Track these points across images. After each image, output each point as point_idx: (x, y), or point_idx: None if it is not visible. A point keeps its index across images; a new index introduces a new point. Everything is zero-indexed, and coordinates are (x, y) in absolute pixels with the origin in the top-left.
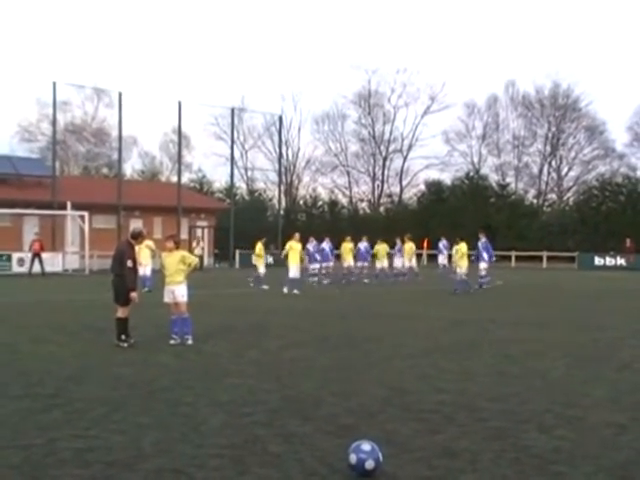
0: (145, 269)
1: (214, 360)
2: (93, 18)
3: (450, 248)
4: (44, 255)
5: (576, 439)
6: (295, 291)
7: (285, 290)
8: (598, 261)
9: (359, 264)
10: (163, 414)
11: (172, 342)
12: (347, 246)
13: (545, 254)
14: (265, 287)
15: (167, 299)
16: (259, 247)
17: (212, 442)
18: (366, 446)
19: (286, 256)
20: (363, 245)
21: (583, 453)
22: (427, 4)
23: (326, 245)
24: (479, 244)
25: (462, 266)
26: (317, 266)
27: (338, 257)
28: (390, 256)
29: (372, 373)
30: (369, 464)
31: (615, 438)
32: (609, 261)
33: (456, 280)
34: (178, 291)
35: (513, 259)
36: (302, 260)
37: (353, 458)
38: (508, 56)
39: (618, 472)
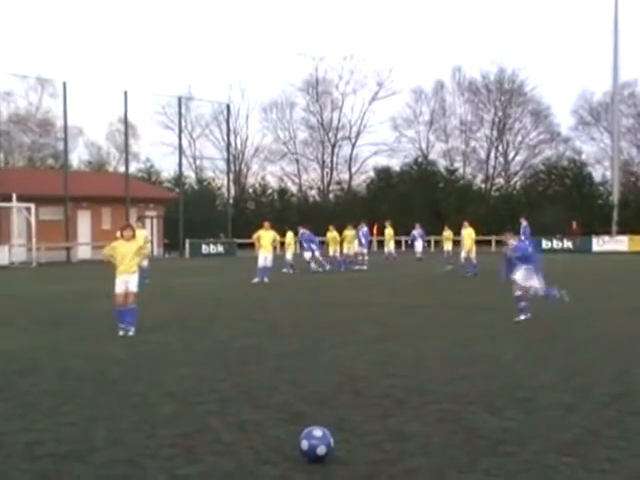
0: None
1: (164, 350)
2: (35, 6)
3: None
4: None
5: (525, 420)
6: (265, 279)
7: (255, 280)
8: (545, 244)
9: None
10: (113, 405)
11: (121, 333)
12: (349, 233)
13: (494, 238)
14: (291, 271)
15: (120, 290)
16: (290, 236)
17: (164, 432)
18: (317, 432)
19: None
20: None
21: (532, 433)
22: None
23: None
24: (520, 229)
25: (472, 250)
26: (309, 254)
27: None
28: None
29: (323, 360)
30: (320, 450)
31: (563, 418)
32: (556, 244)
33: (471, 264)
34: (132, 281)
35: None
36: (275, 248)
37: (304, 444)
38: (454, 42)
39: (567, 450)
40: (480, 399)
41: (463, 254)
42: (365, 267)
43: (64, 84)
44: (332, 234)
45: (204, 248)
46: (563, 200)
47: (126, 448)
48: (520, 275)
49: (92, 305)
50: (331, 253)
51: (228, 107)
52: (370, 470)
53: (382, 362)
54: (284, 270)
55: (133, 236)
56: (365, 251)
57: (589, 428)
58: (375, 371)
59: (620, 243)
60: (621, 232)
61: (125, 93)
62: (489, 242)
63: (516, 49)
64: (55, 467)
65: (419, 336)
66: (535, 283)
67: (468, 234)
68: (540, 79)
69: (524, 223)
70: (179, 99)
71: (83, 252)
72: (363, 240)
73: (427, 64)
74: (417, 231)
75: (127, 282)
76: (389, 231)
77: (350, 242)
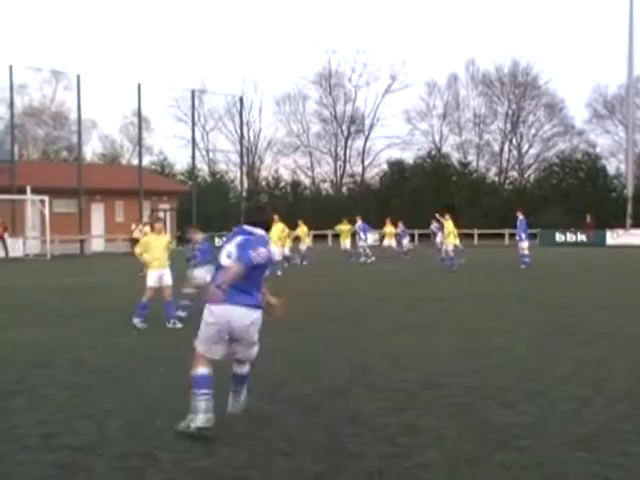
0: None
1: (179, 343)
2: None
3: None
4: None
5: (539, 414)
6: (278, 272)
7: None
8: (559, 237)
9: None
10: (128, 398)
11: (144, 325)
12: (344, 228)
13: (507, 232)
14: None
15: (154, 283)
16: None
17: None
18: None
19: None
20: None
21: (546, 427)
22: None
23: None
24: (517, 223)
25: (450, 243)
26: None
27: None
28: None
29: (336, 353)
30: None
31: (578, 412)
32: (570, 237)
33: (451, 257)
34: (166, 275)
35: (476, 237)
36: (285, 242)
37: None
38: (467, 35)
39: (581, 445)
40: (494, 393)
41: (451, 247)
42: (373, 258)
43: (78, 77)
44: (302, 228)
45: (217, 241)
46: (577, 193)
47: (141, 440)
48: (201, 273)
49: (106, 297)
50: (302, 248)
51: (241, 100)
52: (384, 463)
53: (395, 355)
54: (304, 263)
55: (161, 230)
56: (366, 244)
57: (603, 422)
58: (388, 364)
59: (634, 237)
60: (635, 225)
61: (139, 86)
62: (502, 235)
63: (530, 42)
64: (70, 459)
65: (431, 329)
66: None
67: (445, 227)
68: (554, 72)
69: (520, 217)
70: (192, 92)
71: (97, 245)
72: (362, 234)
73: (441, 57)
74: (401, 229)
75: (161, 276)
76: (389, 229)
77: (346, 237)
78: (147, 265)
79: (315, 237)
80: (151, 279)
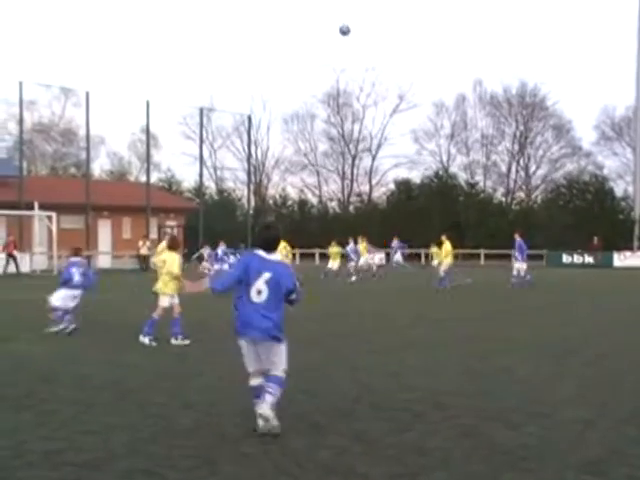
0: None
1: (184, 360)
2: (60, 17)
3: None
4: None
5: (544, 435)
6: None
7: None
8: (566, 259)
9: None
10: (133, 415)
11: (154, 343)
12: (333, 250)
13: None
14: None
15: (168, 303)
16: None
17: (183, 443)
18: None
19: None
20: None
21: (552, 450)
22: (395, 3)
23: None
24: (516, 244)
25: (444, 264)
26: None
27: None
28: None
29: (340, 371)
30: None
31: (583, 434)
32: (577, 259)
33: (441, 277)
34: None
35: (482, 257)
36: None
37: None
38: (476, 56)
39: (587, 468)
40: (499, 414)
41: (444, 267)
42: (355, 277)
43: (87, 94)
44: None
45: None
46: (584, 215)
47: (145, 458)
48: (58, 295)
49: (112, 313)
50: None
51: (249, 118)
52: None
53: (399, 374)
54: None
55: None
56: (353, 264)
57: (609, 445)
58: (392, 383)
59: None
60: None
61: (147, 103)
62: (509, 256)
63: (538, 63)
64: (75, 476)
65: (435, 348)
66: (67, 305)
67: (444, 248)
68: (562, 93)
69: (518, 239)
70: (201, 110)
71: (103, 261)
72: (352, 255)
73: (448, 78)
74: (395, 243)
75: (173, 295)
76: (362, 245)
77: (335, 258)
78: (178, 285)
79: (321, 255)
80: (165, 299)
